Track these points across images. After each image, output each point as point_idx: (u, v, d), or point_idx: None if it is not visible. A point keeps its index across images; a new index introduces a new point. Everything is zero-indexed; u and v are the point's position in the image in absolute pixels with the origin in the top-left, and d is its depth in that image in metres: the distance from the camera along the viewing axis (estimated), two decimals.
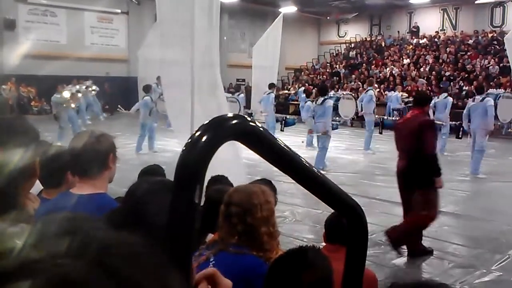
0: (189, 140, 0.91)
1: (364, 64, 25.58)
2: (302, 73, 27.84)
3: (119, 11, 24.49)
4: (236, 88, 22.79)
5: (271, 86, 14.72)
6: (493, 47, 22.39)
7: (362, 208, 1.49)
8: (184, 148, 0.90)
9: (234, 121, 1.00)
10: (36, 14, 21.94)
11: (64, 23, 22.67)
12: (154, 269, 0.44)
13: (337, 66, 26.89)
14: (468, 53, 22.90)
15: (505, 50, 14.40)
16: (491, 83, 19.13)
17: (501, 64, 19.77)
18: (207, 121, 0.95)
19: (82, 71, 20.80)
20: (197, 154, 0.88)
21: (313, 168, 1.32)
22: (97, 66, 22.26)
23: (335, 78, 24.87)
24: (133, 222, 1.13)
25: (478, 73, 20.50)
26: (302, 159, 1.27)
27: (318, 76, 26.24)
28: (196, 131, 0.92)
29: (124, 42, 24.83)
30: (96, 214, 1.71)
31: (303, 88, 20.58)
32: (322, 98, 10.06)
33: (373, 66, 24.96)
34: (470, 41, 24.04)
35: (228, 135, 0.98)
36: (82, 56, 21.86)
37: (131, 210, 1.22)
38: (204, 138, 0.90)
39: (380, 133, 13.63)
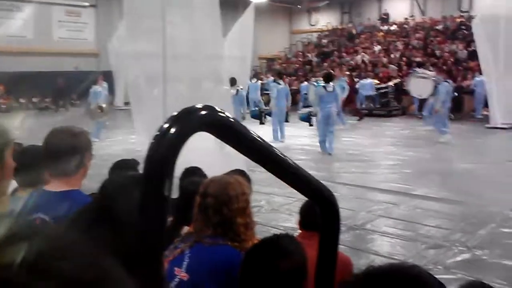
0: (158, 132, 0.90)
1: (335, 52, 25.71)
2: (275, 62, 27.83)
3: (87, 4, 24.02)
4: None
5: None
6: (461, 32, 22.75)
7: (336, 194, 1.50)
8: (153, 141, 0.89)
9: (203, 112, 0.99)
10: (1, 9, 21.34)
11: (31, 18, 22.11)
12: (90, 262, 0.46)
13: (309, 54, 26.96)
14: (437, 39, 23.22)
15: (473, 34, 14.82)
16: (459, 68, 19.50)
17: (469, 49, 20.11)
18: (176, 113, 0.94)
19: (51, 66, 20.36)
20: (166, 146, 0.88)
21: (286, 157, 1.32)
22: (66, 60, 21.84)
23: (307, 66, 24.95)
24: (104, 218, 1.12)
25: (446, 58, 20.83)
26: (275, 149, 1.27)
27: (291, 65, 26.28)
28: (165, 123, 0.91)
29: (93, 35, 24.38)
30: (69, 211, 1.69)
31: (272, 78, 20.46)
32: (332, 84, 10.67)
33: (344, 54, 25.10)
34: (439, 27, 24.36)
35: (197, 126, 0.97)
36: (50, 51, 21.39)
37: (103, 206, 1.21)
38: (172, 130, 0.89)
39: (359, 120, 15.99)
